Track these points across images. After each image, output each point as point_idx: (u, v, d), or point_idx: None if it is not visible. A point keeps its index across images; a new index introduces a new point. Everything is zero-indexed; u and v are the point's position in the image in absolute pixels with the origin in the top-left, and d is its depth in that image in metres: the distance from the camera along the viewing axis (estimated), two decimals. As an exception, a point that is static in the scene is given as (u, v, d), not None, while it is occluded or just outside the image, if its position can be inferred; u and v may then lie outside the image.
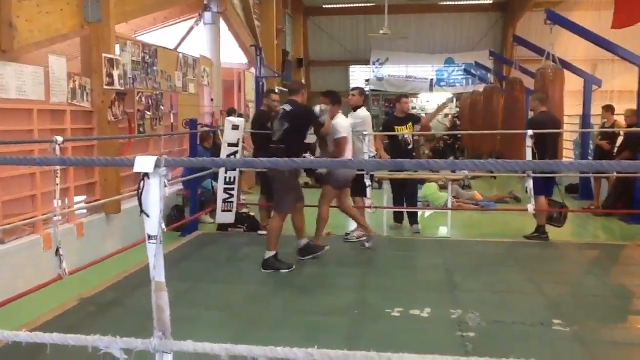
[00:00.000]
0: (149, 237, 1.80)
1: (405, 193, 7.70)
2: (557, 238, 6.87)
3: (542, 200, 6.79)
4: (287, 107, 5.65)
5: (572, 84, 11.70)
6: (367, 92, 19.93)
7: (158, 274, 1.79)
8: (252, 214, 7.73)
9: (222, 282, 5.30)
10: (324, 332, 4.00)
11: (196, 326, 4.02)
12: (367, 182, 6.87)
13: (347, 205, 6.49)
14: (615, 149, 9.04)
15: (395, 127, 7.40)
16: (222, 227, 7.28)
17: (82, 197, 6.49)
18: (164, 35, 10.80)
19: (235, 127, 6.94)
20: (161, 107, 8.28)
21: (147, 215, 1.80)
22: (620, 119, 9.35)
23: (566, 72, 10.79)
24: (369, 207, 6.95)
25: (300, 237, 5.91)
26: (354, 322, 4.20)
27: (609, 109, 9.45)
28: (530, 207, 6.62)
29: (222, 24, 11.39)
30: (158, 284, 1.79)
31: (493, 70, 17.55)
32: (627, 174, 7.98)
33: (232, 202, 7.04)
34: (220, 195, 6.99)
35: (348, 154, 6.02)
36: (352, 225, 7.01)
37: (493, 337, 3.88)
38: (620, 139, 9.08)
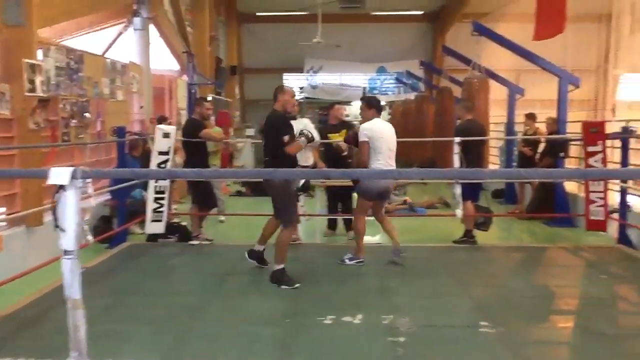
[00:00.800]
0: (65, 252, 1.73)
1: (339, 200, 7.77)
2: (484, 242, 7.09)
3: (469, 206, 6.99)
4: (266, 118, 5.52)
5: (498, 93, 12.20)
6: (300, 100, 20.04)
7: (74, 291, 1.72)
8: (183, 223, 7.58)
9: (152, 294, 5.15)
10: (257, 343, 3.95)
11: (124, 342, 3.88)
12: (300, 188, 6.80)
13: (383, 218, 6.19)
14: (538, 156, 9.45)
15: (329, 135, 7.44)
16: (152, 237, 7.09)
17: (2, 209, 6.16)
18: (91, 41, 10.45)
19: (166, 135, 6.79)
20: (87, 114, 8.00)
21: (63, 230, 1.72)
22: (542, 127, 9.79)
23: (492, 82, 11.24)
24: (302, 214, 6.93)
25: (261, 243, 5.83)
26: (287, 331, 4.17)
27: (531, 117, 9.88)
28: (459, 212, 6.82)
29: (153, 29, 11.16)
30: (74, 302, 1.71)
31: (424, 79, 18.05)
32: (548, 180, 8.37)
33: (162, 212, 6.87)
34: (151, 205, 6.81)
35: (373, 162, 5.69)
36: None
37: (423, 341, 3.95)
38: (542, 146, 9.50)
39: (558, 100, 9.02)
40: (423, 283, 5.41)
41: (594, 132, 6.86)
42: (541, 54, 9.55)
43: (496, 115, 13.01)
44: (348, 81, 20.84)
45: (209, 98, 12.62)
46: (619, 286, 5.50)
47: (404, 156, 16.67)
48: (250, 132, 17.83)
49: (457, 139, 6.77)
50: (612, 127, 7.74)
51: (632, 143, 7.27)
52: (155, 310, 4.65)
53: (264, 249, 5.85)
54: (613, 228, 7.11)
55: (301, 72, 20.70)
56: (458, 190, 6.77)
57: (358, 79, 20.82)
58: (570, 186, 9.21)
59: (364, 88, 20.65)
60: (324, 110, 20.31)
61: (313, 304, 4.76)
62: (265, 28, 20.78)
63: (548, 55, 9.72)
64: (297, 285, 5.19)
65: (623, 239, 6.89)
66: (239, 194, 12.16)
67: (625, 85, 14.88)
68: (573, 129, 9.01)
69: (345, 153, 7.44)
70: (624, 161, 6.98)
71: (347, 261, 6.02)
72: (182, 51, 12.44)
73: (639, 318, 4.61)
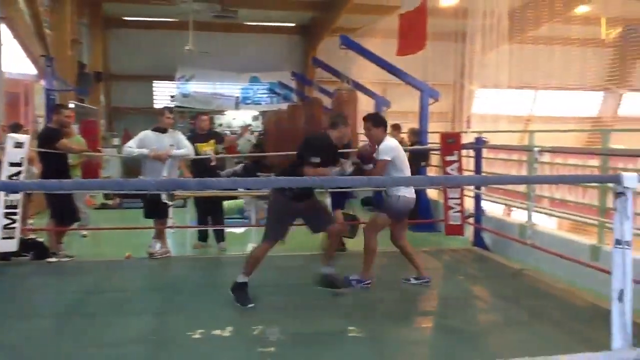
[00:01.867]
0: None
1: (210, 211, 7.64)
2: (353, 248, 7.30)
3: (339, 214, 7.16)
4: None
5: (366, 104, 12.70)
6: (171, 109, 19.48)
7: None
8: (40, 240, 7.03)
9: (6, 318, 4.67)
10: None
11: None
12: (166, 200, 6.59)
13: (404, 242, 5.71)
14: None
15: (197, 144, 7.31)
16: (4, 256, 6.50)
17: None
18: None
19: (19, 144, 6.26)
20: None
21: None
22: (406, 137, 10.33)
23: (360, 94, 11.69)
24: (171, 227, 6.71)
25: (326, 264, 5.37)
26: (155, 349, 4.01)
27: (396, 127, 10.39)
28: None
29: (6, 30, 10.30)
30: None
31: (295, 90, 18.31)
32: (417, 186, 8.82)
33: (15, 228, 6.32)
34: (1, 221, 6.24)
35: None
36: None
37: (292, 349, 3.98)
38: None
39: (420, 112, 9.58)
40: (293, 292, 5.46)
41: (451, 143, 7.35)
42: (405, 68, 10.09)
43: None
44: (221, 90, 20.60)
45: (71, 105, 11.87)
46: (474, 286, 5.94)
47: (277, 166, 16.86)
48: (117, 141, 17.00)
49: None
50: (467, 138, 8.34)
51: (485, 152, 7.90)
52: (10, 335, 4.25)
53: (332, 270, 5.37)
54: (469, 232, 7.65)
55: (172, 80, 20.11)
56: (328, 200, 6.92)
57: (231, 89, 20.65)
58: (432, 193, 9.79)
59: (237, 97, 20.53)
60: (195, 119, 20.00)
61: (182, 318, 4.62)
62: (134, 33, 19.93)
63: (411, 70, 10.29)
64: (250, 305, 4.84)
65: (478, 241, 7.44)
66: (104, 206, 11.54)
67: (479, 99, 16.17)
68: (433, 140, 9.59)
69: (214, 163, 7.35)
70: (477, 169, 7.55)
71: (355, 284, 5.52)
72: (39, 54, 11.60)
73: (491, 315, 4.97)
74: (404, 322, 4.73)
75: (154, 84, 20.39)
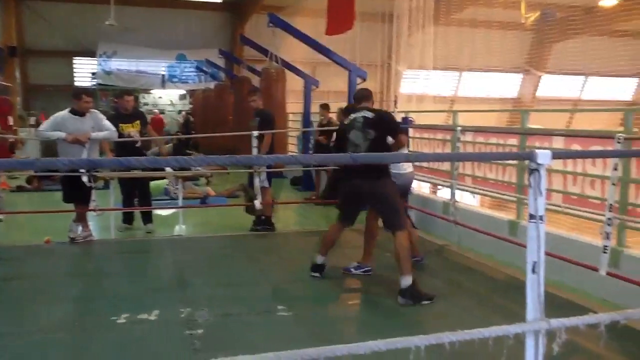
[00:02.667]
0: None
1: (135, 193, 7.43)
2: (283, 228, 7.33)
3: (268, 194, 7.14)
4: (369, 114, 4.86)
5: (295, 84, 12.66)
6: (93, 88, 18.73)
7: None
8: None
9: None
10: (48, 351, 3.61)
11: None
12: (87, 182, 6.23)
13: (376, 223, 5.41)
14: (332, 143, 10.01)
15: (121, 124, 7.04)
16: None
17: None
18: None
19: None
20: None
21: None
22: (335, 116, 10.37)
23: (289, 73, 11.62)
24: (94, 210, 6.45)
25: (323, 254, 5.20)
26: (79, 335, 3.88)
27: (325, 107, 10.42)
28: (257, 203, 6.86)
29: None
30: None
31: (224, 68, 17.99)
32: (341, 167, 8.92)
33: None
34: None
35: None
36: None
37: (221, 331, 3.95)
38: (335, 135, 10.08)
39: (348, 92, 9.64)
40: (222, 273, 5.43)
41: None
42: (334, 48, 10.11)
43: (294, 105, 13.52)
44: (146, 68, 19.91)
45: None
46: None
47: (205, 146, 16.59)
48: (33, 121, 16.17)
49: (255, 133, 6.81)
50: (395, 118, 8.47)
51: (411, 132, 8.07)
52: None
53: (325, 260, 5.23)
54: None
55: (93, 57, 19.26)
56: (257, 180, 6.84)
57: (156, 66, 20.02)
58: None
59: (163, 75, 19.95)
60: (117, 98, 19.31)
61: (106, 304, 4.48)
62: (51, 6, 18.83)
63: (340, 50, 10.31)
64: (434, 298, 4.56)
65: (404, 219, 7.61)
66: (20, 189, 10.97)
67: (405, 80, 16.45)
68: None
69: (139, 145, 7.13)
70: (404, 148, 7.70)
71: (353, 271, 5.32)
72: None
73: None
74: (331, 300, 4.81)
75: (74, 61, 19.47)
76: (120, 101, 7.49)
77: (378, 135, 4.79)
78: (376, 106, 5.93)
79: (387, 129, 4.87)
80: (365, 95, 5.11)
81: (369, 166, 4.53)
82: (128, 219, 7.59)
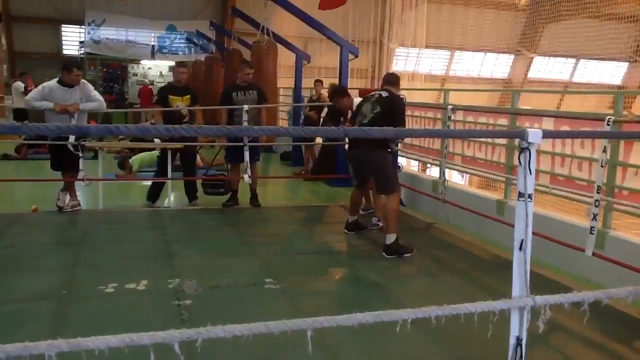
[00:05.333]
0: None
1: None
2: (272, 202, 7.34)
3: (256, 168, 7.10)
4: (384, 94, 5.42)
5: (286, 58, 12.56)
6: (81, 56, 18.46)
7: None
8: None
9: None
10: (31, 320, 3.61)
11: None
12: (73, 150, 6.20)
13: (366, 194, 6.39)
14: (322, 119, 9.99)
15: (170, 96, 6.86)
16: None
17: None
18: None
19: None
20: None
21: None
22: (326, 93, 10.34)
23: (281, 47, 11.52)
24: (82, 179, 6.42)
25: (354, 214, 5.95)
26: (65, 304, 3.88)
27: (320, 83, 10.38)
28: (247, 177, 6.84)
29: None
30: None
31: (214, 40, 17.78)
32: (331, 143, 8.92)
33: None
34: None
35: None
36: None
37: (209, 302, 3.98)
38: (325, 111, 10.05)
39: (340, 68, 9.59)
40: (210, 245, 5.45)
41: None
42: (327, 24, 10.01)
43: (285, 79, 13.43)
44: (135, 38, 19.61)
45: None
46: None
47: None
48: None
49: (246, 107, 6.75)
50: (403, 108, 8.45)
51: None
52: None
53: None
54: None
55: (81, 25, 18.91)
56: (247, 155, 6.77)
57: (146, 37, 19.72)
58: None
59: (153, 46, 19.67)
60: (109, 67, 19.03)
61: (93, 273, 4.49)
62: (36, -29, 18.44)
63: (332, 25, 10.21)
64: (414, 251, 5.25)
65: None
66: (5, 157, 10.86)
67: (398, 57, 16.40)
68: (353, 96, 9.64)
69: (186, 120, 6.90)
70: (394, 126, 7.69)
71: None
72: None
73: (401, 266, 5.13)
74: (320, 274, 4.84)
75: (62, 28, 19.11)
76: (174, 72, 7.35)
77: (382, 111, 5.28)
78: (367, 83, 6.28)
79: (390, 111, 5.29)
80: (392, 80, 5.66)
81: (366, 139, 4.90)
82: (155, 194, 7.16)
